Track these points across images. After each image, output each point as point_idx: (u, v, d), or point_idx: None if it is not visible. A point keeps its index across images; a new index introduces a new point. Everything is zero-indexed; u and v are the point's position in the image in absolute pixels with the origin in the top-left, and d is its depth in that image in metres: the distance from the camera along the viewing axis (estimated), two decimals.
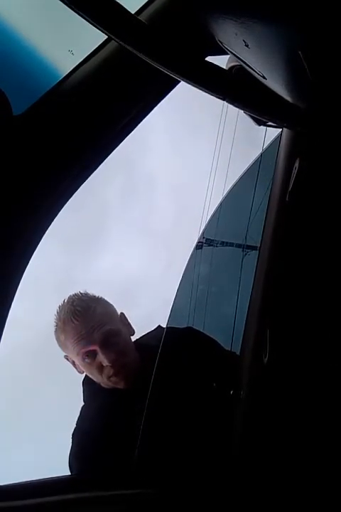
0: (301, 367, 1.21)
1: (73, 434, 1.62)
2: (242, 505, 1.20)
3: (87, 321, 1.56)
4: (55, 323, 1.62)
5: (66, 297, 1.64)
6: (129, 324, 1.69)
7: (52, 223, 1.05)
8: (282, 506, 1.19)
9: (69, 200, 1.06)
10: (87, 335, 1.54)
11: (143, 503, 1.23)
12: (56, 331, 1.62)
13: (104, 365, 1.56)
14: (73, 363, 1.64)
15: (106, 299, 1.67)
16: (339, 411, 1.20)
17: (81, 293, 1.64)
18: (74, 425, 1.65)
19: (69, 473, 1.56)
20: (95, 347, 1.55)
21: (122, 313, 1.69)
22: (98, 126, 1.01)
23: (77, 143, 1.00)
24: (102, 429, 1.58)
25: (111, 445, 1.54)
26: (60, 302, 1.65)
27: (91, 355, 1.56)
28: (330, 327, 1.18)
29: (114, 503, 1.23)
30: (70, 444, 1.61)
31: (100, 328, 1.55)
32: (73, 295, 1.64)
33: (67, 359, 1.65)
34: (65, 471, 1.57)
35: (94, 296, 1.64)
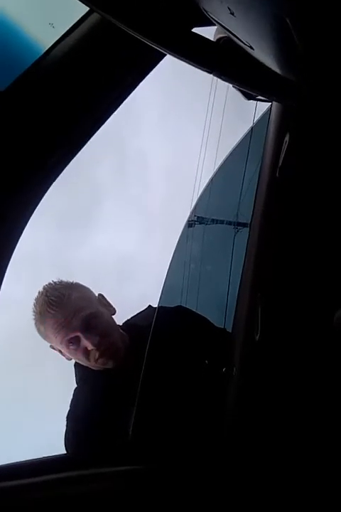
0: (293, 344, 1.21)
1: (67, 417, 1.64)
2: (234, 482, 1.21)
3: (64, 308, 1.56)
4: (32, 317, 1.62)
5: (40, 288, 1.63)
6: (109, 304, 1.69)
7: (47, 203, 1.03)
8: (273, 483, 1.21)
9: (62, 180, 1.04)
10: (67, 323, 1.54)
11: (137, 478, 1.24)
12: (35, 324, 1.62)
13: (89, 349, 1.56)
14: (60, 352, 1.64)
15: (81, 283, 1.67)
16: (332, 389, 1.20)
17: (54, 282, 1.63)
18: (68, 407, 1.66)
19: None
20: (77, 333, 1.55)
21: (100, 294, 1.69)
22: (83, 101, 0.98)
23: (62, 118, 0.97)
24: (95, 410, 1.60)
25: (105, 425, 1.55)
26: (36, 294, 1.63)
27: (74, 341, 1.56)
28: (321, 304, 1.18)
29: (109, 479, 1.24)
30: (65, 426, 1.62)
31: (79, 313, 1.55)
32: (47, 285, 1.63)
33: (54, 348, 1.65)
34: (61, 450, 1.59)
35: (68, 283, 1.63)
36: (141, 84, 1.08)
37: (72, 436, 1.60)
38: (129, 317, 1.80)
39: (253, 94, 1.03)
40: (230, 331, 1.41)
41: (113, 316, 1.70)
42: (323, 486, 1.20)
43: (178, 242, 2.40)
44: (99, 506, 1.17)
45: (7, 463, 1.19)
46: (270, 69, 0.80)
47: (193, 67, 0.88)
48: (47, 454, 1.27)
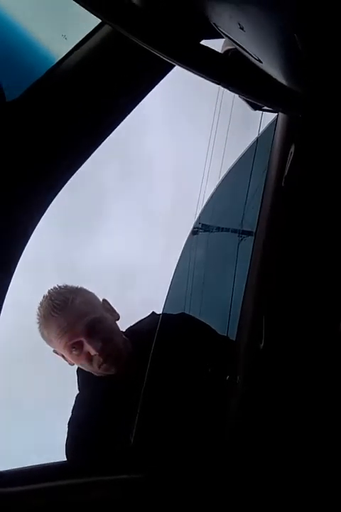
0: (297, 353, 1.21)
1: (69, 423, 1.63)
2: (235, 490, 1.21)
3: (68, 313, 1.56)
4: (37, 320, 1.62)
5: (45, 292, 1.63)
6: (113, 309, 1.68)
7: (52, 208, 1.05)
8: (274, 490, 1.20)
9: (68, 185, 1.06)
10: (70, 327, 1.54)
11: (138, 486, 1.24)
12: (39, 328, 1.62)
13: (92, 354, 1.56)
14: (63, 357, 1.64)
15: (85, 287, 1.67)
16: (336, 398, 1.20)
17: (59, 286, 1.63)
18: (70, 414, 1.66)
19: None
20: (80, 338, 1.55)
21: (105, 300, 1.69)
22: (92, 111, 1.00)
23: (72, 128, 1.00)
24: (96, 416, 1.59)
25: (106, 432, 1.54)
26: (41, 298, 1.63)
27: (77, 346, 1.56)
28: (326, 313, 1.18)
29: (110, 487, 1.24)
30: (66, 433, 1.62)
31: (82, 318, 1.55)
32: (51, 289, 1.63)
33: (57, 353, 1.65)
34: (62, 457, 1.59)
35: (73, 288, 1.63)
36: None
37: (73, 443, 1.59)
38: (132, 324, 1.80)
39: (260, 104, 1.05)
40: (233, 339, 1.42)
41: (117, 322, 1.70)
42: (325, 495, 1.19)
43: (183, 249, 2.41)
44: None
45: (7, 469, 1.19)
46: (276, 81, 0.81)
47: (201, 78, 0.90)
48: (47, 459, 1.27)
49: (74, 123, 0.97)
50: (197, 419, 1.46)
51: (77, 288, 1.64)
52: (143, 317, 1.79)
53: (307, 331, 1.20)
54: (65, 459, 1.58)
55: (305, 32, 0.62)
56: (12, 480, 1.15)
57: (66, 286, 1.64)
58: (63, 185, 1.04)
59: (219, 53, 0.95)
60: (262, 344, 1.24)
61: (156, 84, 1.06)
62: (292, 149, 1.06)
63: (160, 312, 1.79)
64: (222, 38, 0.94)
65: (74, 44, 0.95)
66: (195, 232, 2.79)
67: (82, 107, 0.97)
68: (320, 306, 1.18)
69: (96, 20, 0.92)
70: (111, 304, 1.70)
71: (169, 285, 1.92)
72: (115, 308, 1.70)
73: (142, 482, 1.24)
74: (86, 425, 1.59)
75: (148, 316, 1.78)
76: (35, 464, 1.25)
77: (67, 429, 1.62)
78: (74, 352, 1.57)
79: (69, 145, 0.99)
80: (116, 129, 1.08)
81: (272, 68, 0.81)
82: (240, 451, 1.24)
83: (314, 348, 1.20)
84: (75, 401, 1.67)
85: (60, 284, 1.64)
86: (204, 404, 1.50)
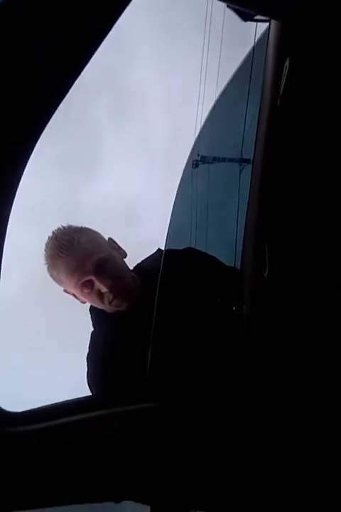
0: (302, 281, 1.19)
1: (87, 358, 1.70)
2: (242, 421, 1.24)
3: (75, 252, 1.57)
4: (44, 262, 1.64)
5: (50, 233, 1.64)
6: (119, 247, 1.70)
7: (47, 149, 0.99)
8: (278, 428, 1.23)
9: (59, 124, 0.99)
10: (79, 267, 1.56)
11: (153, 415, 1.28)
12: (48, 269, 1.65)
13: (103, 291, 1.58)
14: (74, 296, 1.66)
15: (90, 227, 1.67)
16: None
17: (63, 226, 1.64)
18: (87, 350, 1.71)
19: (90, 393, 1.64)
20: (90, 277, 1.57)
21: (110, 239, 1.70)
22: (69, 29, 0.91)
23: (50, 49, 0.90)
24: (112, 350, 1.65)
25: (122, 364, 1.60)
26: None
27: (88, 285, 1.58)
28: (329, 236, 1.15)
29: (129, 417, 1.29)
30: (86, 367, 1.69)
31: (91, 257, 1.56)
32: (56, 230, 1.64)
33: (67, 292, 1.67)
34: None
35: (77, 227, 1.64)
36: (131, 13, 1.00)
37: (94, 376, 1.66)
38: (139, 261, 1.81)
39: (249, 12, 0.95)
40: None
41: (124, 260, 1.71)
42: (331, 430, 1.21)
43: (180, 182, 2.35)
44: (120, 443, 1.23)
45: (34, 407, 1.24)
46: None
47: None
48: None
49: (50, 43, 0.88)
50: (205, 349, 1.48)
51: (81, 227, 1.65)
52: (149, 254, 1.80)
53: (310, 256, 1.17)
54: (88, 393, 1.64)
55: None
56: (37, 418, 1.20)
57: (70, 227, 1.65)
58: (52, 114, 0.96)
59: None
60: (266, 272, 1.22)
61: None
62: (286, 63, 0.98)
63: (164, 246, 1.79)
64: None
65: None
66: (194, 164, 2.71)
67: (57, 24, 0.87)
68: (322, 231, 1.14)
69: None
70: (117, 242, 1.70)
71: (169, 220, 1.89)
72: (121, 246, 1.71)
73: (158, 410, 1.28)
74: (103, 359, 1.66)
75: (155, 252, 1.80)
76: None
77: (86, 364, 1.69)
78: (85, 291, 1.59)
79: (50, 69, 0.89)
80: (100, 58, 0.99)
81: None
82: (249, 380, 1.26)
83: (319, 274, 1.18)
84: (91, 338, 1.73)
85: (63, 225, 1.65)
86: (212, 334, 1.52)
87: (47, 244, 1.62)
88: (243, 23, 1.13)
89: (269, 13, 0.93)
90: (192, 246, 2.16)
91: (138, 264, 1.77)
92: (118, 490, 1.26)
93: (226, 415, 1.23)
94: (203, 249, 2.02)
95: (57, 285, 1.67)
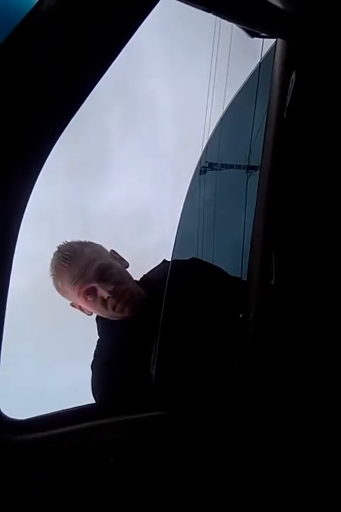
0: (308, 288, 1.20)
1: (91, 366, 1.71)
2: (248, 425, 1.24)
3: (78, 262, 1.61)
4: (50, 275, 1.68)
5: (55, 249, 1.69)
6: (121, 258, 1.73)
7: (57, 157, 1.02)
8: (284, 437, 1.23)
9: (70, 132, 1.02)
10: (81, 274, 1.60)
11: (159, 424, 1.29)
12: (54, 282, 1.68)
13: (105, 297, 1.61)
14: (80, 308, 1.70)
15: (93, 241, 1.73)
16: None
17: (67, 241, 1.70)
18: (92, 358, 1.73)
19: (93, 402, 1.65)
20: (93, 284, 1.60)
21: (112, 250, 1.74)
22: (84, 46, 0.93)
23: (65, 66, 0.93)
24: (117, 358, 1.66)
25: (128, 371, 1.61)
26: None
27: (91, 292, 1.61)
28: (336, 245, 1.16)
29: (135, 425, 1.30)
30: (91, 375, 1.69)
31: (92, 265, 1.60)
32: (60, 244, 1.69)
33: (74, 306, 1.71)
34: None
35: (81, 241, 1.70)
36: (142, 28, 1.03)
37: (98, 383, 1.66)
38: (146, 267, 1.84)
39: (256, 31, 0.98)
40: (245, 278, 1.41)
41: (127, 269, 1.74)
42: (338, 437, 1.22)
43: (188, 189, 2.36)
44: (126, 452, 1.23)
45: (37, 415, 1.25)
46: (268, 2, 0.75)
47: (193, 8, 0.84)
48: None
49: (67, 61, 0.91)
50: (211, 357, 1.49)
51: (84, 241, 1.70)
52: (155, 265, 1.83)
53: (316, 263, 1.18)
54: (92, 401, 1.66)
55: None
56: (41, 426, 1.20)
57: (73, 241, 1.70)
58: (63, 129, 0.98)
59: None
60: (273, 280, 1.23)
61: (146, 15, 0.99)
62: (293, 77, 1.00)
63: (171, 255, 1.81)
64: None
65: None
66: (202, 171, 2.73)
67: (74, 43, 0.90)
68: (328, 239, 1.15)
69: None
70: (119, 253, 1.74)
71: (177, 226, 1.91)
72: (124, 256, 1.75)
73: (165, 419, 1.28)
74: (108, 366, 1.67)
75: (160, 264, 1.82)
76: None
77: (91, 372, 1.70)
78: (89, 298, 1.62)
79: (64, 86, 0.92)
80: (112, 67, 1.02)
81: None
82: (255, 387, 1.27)
83: (325, 281, 1.19)
84: (97, 346, 1.74)
85: (67, 240, 1.70)
86: (219, 342, 1.53)
87: (52, 259, 1.68)
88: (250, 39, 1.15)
89: (274, 34, 0.95)
90: (199, 252, 2.18)
91: (143, 276, 1.80)
92: (124, 499, 1.27)
93: (232, 423, 1.24)
94: (210, 256, 2.03)
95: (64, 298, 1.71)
